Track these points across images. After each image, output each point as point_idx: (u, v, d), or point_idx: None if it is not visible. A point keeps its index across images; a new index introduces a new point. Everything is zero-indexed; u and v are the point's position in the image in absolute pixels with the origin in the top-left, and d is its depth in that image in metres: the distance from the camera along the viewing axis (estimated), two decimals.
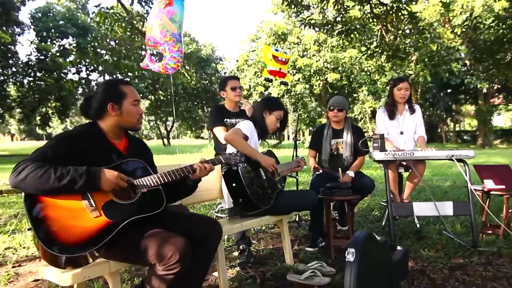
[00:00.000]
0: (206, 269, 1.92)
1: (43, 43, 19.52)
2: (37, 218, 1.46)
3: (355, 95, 26.74)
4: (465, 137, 37.85)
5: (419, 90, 22.79)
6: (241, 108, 3.40)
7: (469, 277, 2.44)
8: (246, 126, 2.54)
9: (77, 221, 1.50)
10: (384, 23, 6.52)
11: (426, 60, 16.47)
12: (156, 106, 23.77)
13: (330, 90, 23.07)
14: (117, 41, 18.64)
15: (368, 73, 17.68)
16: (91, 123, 1.80)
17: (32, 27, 19.83)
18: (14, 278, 2.63)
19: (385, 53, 7.30)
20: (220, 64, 24.10)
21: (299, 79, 19.12)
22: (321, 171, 3.37)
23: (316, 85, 20.10)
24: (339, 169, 3.30)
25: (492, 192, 3.19)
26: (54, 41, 21.94)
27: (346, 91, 22.79)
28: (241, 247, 2.80)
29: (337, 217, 3.67)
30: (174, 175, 1.80)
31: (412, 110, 3.64)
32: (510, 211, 3.33)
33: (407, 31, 7.33)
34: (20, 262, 2.99)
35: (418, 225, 3.57)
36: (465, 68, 21.57)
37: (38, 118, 19.83)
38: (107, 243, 1.52)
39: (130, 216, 1.60)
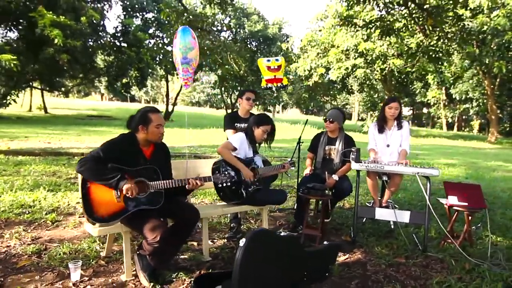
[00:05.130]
0: (186, 237, 2.86)
1: (127, 17, 21.71)
2: (85, 193, 2.51)
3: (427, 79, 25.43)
4: None
5: (498, 80, 20.92)
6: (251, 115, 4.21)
7: (396, 273, 3.07)
8: (236, 139, 3.38)
9: (107, 202, 2.53)
10: (423, 27, 6.64)
11: (503, 50, 15.13)
12: (223, 79, 25.35)
13: (396, 75, 22.29)
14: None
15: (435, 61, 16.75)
16: (131, 134, 2.76)
17: (120, 3, 22.15)
18: (77, 225, 3.86)
19: (426, 55, 7.42)
20: (284, 43, 24.54)
21: (360, 63, 18.86)
22: (309, 172, 4.10)
23: (377, 71, 19.64)
24: (325, 172, 4.00)
25: (454, 208, 3.66)
26: (137, 15, 24.22)
27: (410, 78, 21.87)
28: (232, 224, 3.72)
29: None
30: (173, 183, 2.70)
31: (400, 126, 4.13)
32: (473, 227, 3.78)
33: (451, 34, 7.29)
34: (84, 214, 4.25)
35: (392, 226, 4.15)
36: None
37: (120, 85, 22.57)
38: (122, 218, 2.54)
39: (136, 207, 2.58)
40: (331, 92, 29.95)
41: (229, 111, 32.64)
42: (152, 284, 2.59)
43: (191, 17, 7.89)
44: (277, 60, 4.65)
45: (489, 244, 3.59)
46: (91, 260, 2.97)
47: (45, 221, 3.86)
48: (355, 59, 19.08)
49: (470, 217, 3.63)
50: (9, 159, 7.31)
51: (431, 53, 7.18)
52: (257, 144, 3.69)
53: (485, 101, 24.71)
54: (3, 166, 6.58)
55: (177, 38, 3.76)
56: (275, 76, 4.60)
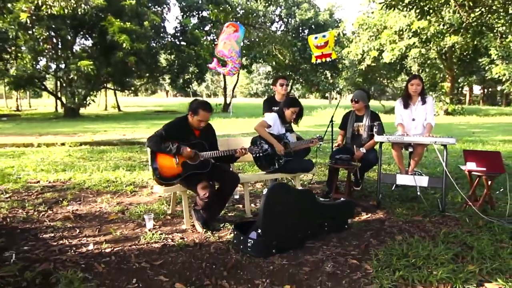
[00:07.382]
0: (228, 196, 3.63)
1: (185, 18, 23.23)
2: (153, 161, 3.38)
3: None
4: None
5: None
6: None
7: (410, 227, 3.54)
8: (270, 118, 4.06)
9: (169, 167, 3.37)
10: (462, 2, 6.65)
11: None
12: (277, 69, 26.04)
13: (458, 52, 21.03)
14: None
15: (497, 34, 15.51)
16: (185, 117, 3.57)
17: (177, 4, 23.78)
18: (150, 194, 4.83)
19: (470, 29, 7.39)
20: (335, 29, 24.35)
21: (414, 43, 18.18)
22: (337, 146, 4.64)
23: (433, 49, 18.73)
24: (354, 146, 4.52)
25: (472, 173, 3.97)
26: (193, 14, 25.75)
27: (472, 55, 20.48)
28: None
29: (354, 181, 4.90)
30: (222, 153, 3.49)
31: (423, 101, 4.48)
32: (497, 192, 4.04)
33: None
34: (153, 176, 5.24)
35: (418, 193, 4.54)
36: None
37: (181, 81, 24.34)
38: (180, 179, 3.38)
39: (190, 171, 3.39)
40: (388, 75, 29.02)
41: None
42: (204, 230, 3.39)
43: (238, 14, 8.60)
44: (324, 36, 5.07)
45: (508, 206, 3.87)
46: (160, 216, 3.87)
47: (126, 191, 4.90)
48: (409, 39, 18.46)
49: (489, 182, 3.92)
50: (93, 149, 8.75)
51: (472, 29, 7.03)
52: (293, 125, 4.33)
53: None
54: (90, 153, 7.97)
55: (238, 32, 4.43)
56: (322, 52, 5.07)
